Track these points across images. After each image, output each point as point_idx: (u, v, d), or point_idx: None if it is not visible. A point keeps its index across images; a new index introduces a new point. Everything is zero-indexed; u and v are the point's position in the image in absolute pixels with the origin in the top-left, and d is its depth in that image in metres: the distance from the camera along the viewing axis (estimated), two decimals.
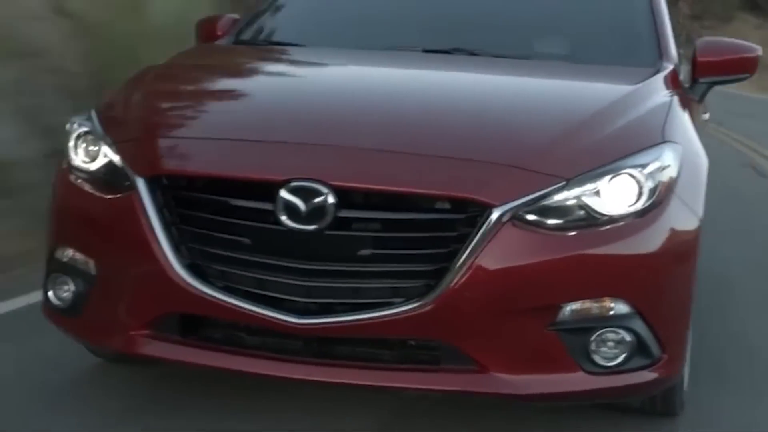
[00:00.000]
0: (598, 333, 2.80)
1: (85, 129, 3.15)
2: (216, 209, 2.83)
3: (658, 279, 2.87)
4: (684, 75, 3.95)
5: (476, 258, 2.69)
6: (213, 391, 3.37)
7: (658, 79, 3.56)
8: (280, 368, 2.82)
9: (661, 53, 3.84)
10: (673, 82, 3.62)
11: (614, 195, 2.81)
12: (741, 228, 6.50)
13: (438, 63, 3.73)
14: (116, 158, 3.00)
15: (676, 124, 3.21)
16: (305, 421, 3.24)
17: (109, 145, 3.04)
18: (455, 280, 2.69)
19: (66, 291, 3.09)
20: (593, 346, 2.81)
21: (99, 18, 7.18)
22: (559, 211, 2.78)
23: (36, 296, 3.67)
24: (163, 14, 7.35)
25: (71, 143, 3.16)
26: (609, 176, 2.82)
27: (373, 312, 2.73)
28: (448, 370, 2.79)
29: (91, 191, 3.04)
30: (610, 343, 2.82)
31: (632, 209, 2.82)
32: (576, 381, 2.82)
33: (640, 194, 2.83)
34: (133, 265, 2.89)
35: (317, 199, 2.71)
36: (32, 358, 3.67)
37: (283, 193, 2.73)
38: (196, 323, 2.91)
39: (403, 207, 2.76)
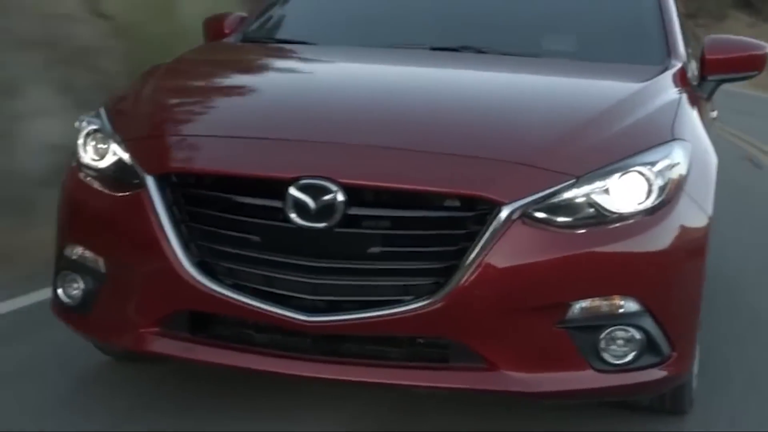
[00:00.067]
0: (607, 331, 2.80)
1: (94, 127, 3.15)
2: (225, 207, 2.84)
3: (668, 277, 2.86)
4: (690, 73, 3.94)
5: (486, 256, 2.69)
6: (218, 390, 3.37)
7: (667, 77, 3.56)
8: (289, 366, 2.82)
9: (669, 51, 3.84)
10: (681, 79, 3.61)
11: (624, 193, 2.81)
12: (736, 211, 6.79)
13: (446, 61, 3.73)
14: (125, 156, 3.00)
15: (685, 122, 3.21)
16: (307, 420, 3.24)
17: (118, 143, 3.05)
18: (464, 278, 2.69)
19: (75, 289, 3.09)
20: (603, 344, 2.80)
21: (133, 19, 7.44)
22: (568, 208, 2.77)
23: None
24: (192, 15, 7.59)
25: (80, 141, 3.16)
26: (618, 174, 2.81)
27: (382, 310, 2.73)
28: (458, 367, 2.79)
29: (100, 189, 3.04)
30: (620, 341, 2.81)
31: (642, 207, 2.82)
32: (585, 379, 2.82)
33: (649, 192, 2.82)
34: (143, 262, 2.90)
35: (326, 197, 2.71)
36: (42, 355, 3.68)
37: (293, 191, 2.73)
38: (205, 321, 2.92)
39: (412, 204, 2.76)
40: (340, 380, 2.83)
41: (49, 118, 6.00)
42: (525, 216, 2.72)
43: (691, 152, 3.02)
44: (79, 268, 3.08)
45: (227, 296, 2.79)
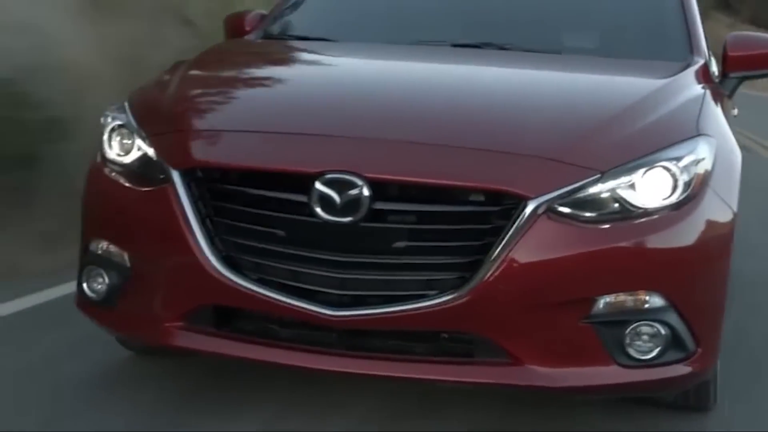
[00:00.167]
0: (632, 326, 2.79)
1: (119, 122, 3.16)
2: (250, 201, 2.84)
3: (693, 272, 2.86)
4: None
5: (511, 250, 2.68)
6: (243, 385, 3.38)
7: (690, 73, 3.55)
8: (315, 360, 2.82)
9: (691, 47, 3.83)
10: (704, 76, 3.60)
11: (649, 188, 2.80)
12: None
13: (468, 57, 3.73)
14: (150, 151, 3.01)
15: (710, 118, 3.20)
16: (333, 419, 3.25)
17: (143, 138, 3.06)
18: (490, 273, 2.69)
19: (100, 283, 3.10)
20: (628, 340, 2.80)
21: (213, 26, 7.69)
22: (593, 203, 2.77)
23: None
24: None
25: (105, 136, 3.17)
26: (644, 169, 2.81)
27: (407, 304, 2.73)
28: (482, 362, 2.79)
29: (125, 184, 3.05)
30: (645, 337, 2.81)
31: (667, 202, 2.81)
32: (610, 374, 2.81)
33: (675, 187, 2.82)
34: (168, 257, 2.91)
35: (352, 191, 2.72)
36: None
37: (318, 185, 2.74)
38: (230, 315, 2.92)
39: (437, 199, 2.76)
40: (364, 374, 2.83)
41: None
42: (550, 211, 2.72)
43: (715, 148, 3.01)
44: (104, 262, 3.09)
45: (253, 291, 2.80)
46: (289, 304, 2.78)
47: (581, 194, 2.76)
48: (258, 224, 2.83)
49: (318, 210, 2.74)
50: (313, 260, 2.78)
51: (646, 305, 2.80)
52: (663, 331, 2.81)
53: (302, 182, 2.76)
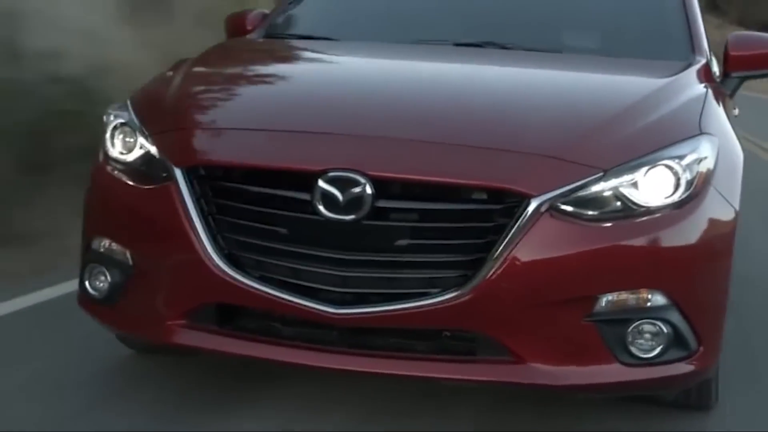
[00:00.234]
0: (635, 324, 2.80)
1: (121, 120, 3.16)
2: (253, 199, 2.84)
3: (695, 271, 2.86)
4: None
5: (513, 248, 2.69)
6: (244, 384, 3.38)
7: (692, 73, 3.56)
8: (316, 358, 2.83)
9: (693, 47, 3.84)
10: (706, 75, 3.61)
11: (651, 186, 2.80)
12: None
13: (470, 56, 3.74)
14: (153, 149, 3.01)
15: (712, 117, 3.20)
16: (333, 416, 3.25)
17: (146, 137, 3.06)
18: (492, 271, 2.69)
19: (102, 281, 3.10)
20: (630, 338, 2.80)
21: None
22: (596, 202, 2.77)
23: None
24: None
25: (108, 134, 3.17)
26: (646, 167, 2.81)
27: (409, 302, 2.73)
28: (485, 360, 2.79)
29: (128, 182, 3.05)
30: (647, 335, 2.81)
31: (669, 200, 2.82)
32: (612, 372, 2.81)
33: (677, 186, 2.82)
34: (171, 255, 2.91)
35: (355, 189, 2.72)
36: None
37: (321, 183, 2.74)
38: (232, 313, 2.92)
39: (440, 197, 2.76)
40: (366, 372, 2.83)
41: None
42: (553, 209, 2.72)
43: (718, 146, 3.01)
44: (106, 260, 3.09)
45: (255, 288, 2.80)
46: (292, 301, 2.78)
47: (584, 192, 2.76)
48: (261, 222, 2.83)
49: (321, 208, 2.74)
50: (315, 258, 2.78)
51: (649, 303, 2.80)
52: (665, 330, 2.81)
53: (305, 180, 2.76)
